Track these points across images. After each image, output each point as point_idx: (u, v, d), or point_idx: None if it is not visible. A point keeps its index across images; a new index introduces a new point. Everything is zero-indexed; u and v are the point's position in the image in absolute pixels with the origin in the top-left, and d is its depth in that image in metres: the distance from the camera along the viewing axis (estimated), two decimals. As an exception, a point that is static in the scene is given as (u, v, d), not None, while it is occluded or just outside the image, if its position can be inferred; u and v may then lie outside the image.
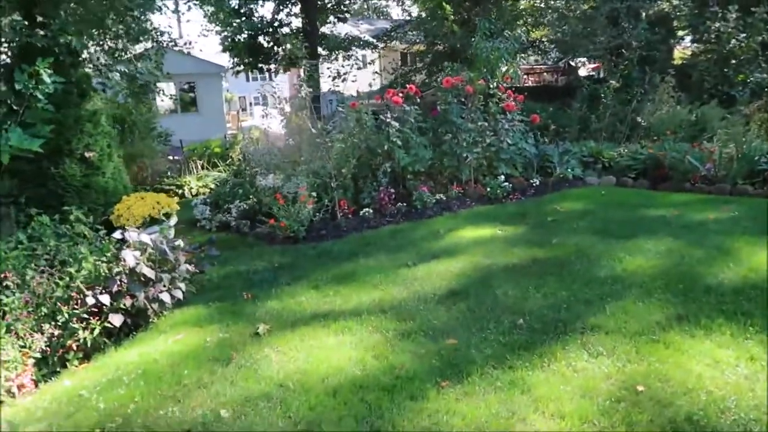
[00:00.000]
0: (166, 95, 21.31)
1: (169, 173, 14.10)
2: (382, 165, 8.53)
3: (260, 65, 17.77)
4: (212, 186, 12.31)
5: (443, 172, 8.98)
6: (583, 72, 20.71)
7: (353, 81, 17.67)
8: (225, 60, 19.67)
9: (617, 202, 8.18)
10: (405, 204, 8.18)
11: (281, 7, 17.94)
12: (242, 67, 18.01)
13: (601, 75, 19.69)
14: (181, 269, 5.03)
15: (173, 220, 6.19)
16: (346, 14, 18.82)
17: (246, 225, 8.00)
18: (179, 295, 4.91)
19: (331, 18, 18.75)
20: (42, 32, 5.55)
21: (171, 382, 3.84)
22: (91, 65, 7.09)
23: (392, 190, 8.28)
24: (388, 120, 8.41)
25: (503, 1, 13.88)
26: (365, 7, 26.79)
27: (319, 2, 18.50)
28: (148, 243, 4.74)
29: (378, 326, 4.45)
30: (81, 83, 6.00)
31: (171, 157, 14.84)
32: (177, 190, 13.30)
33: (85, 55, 8.34)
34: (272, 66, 17.84)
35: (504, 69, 10.41)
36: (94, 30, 9.09)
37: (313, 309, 4.95)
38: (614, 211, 7.63)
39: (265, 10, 23.00)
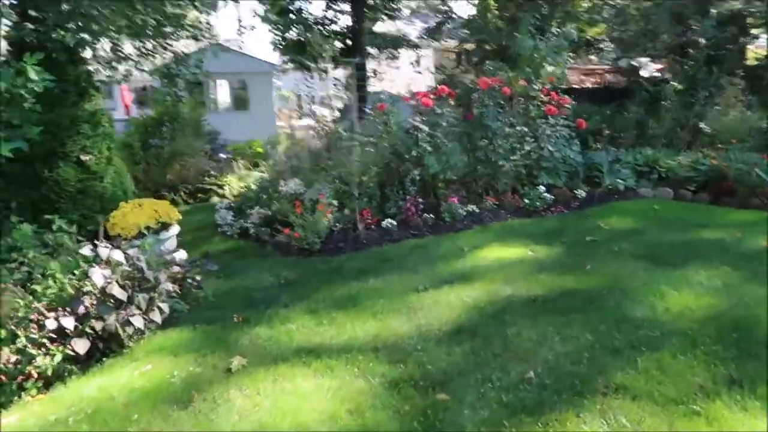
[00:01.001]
0: (211, 94, 21.39)
1: (212, 172, 13.88)
2: (411, 172, 7.83)
3: (308, 63, 17.35)
4: (253, 187, 11.94)
5: (477, 181, 8.19)
6: (646, 73, 19.25)
7: (408, 81, 16.93)
8: (277, 58, 19.38)
9: (671, 220, 7.19)
10: (433, 215, 7.45)
11: (331, 4, 17.45)
12: (290, 65, 17.62)
13: (664, 76, 18.22)
14: (163, 288, 4.52)
15: (174, 230, 5.72)
16: (396, 12, 18.14)
17: (266, 232, 7.48)
18: (157, 318, 4.40)
19: (381, 15, 18.12)
20: (32, 27, 5.18)
21: (116, 428, 3.31)
22: (99, 63, 6.74)
23: (420, 200, 7.58)
24: (417, 123, 7.70)
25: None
26: (422, 5, 26.00)
27: (369, 1, 17.92)
28: (120, 260, 4.24)
29: (365, 369, 3.79)
30: (80, 81, 5.61)
31: (216, 156, 14.63)
32: (218, 190, 13.08)
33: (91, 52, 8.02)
34: (320, 64, 17.41)
35: (550, 69, 9.47)
36: (110, 26, 8.83)
37: (301, 340, 4.33)
38: (665, 230, 6.66)
39: (315, 8, 22.51)
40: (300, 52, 16.97)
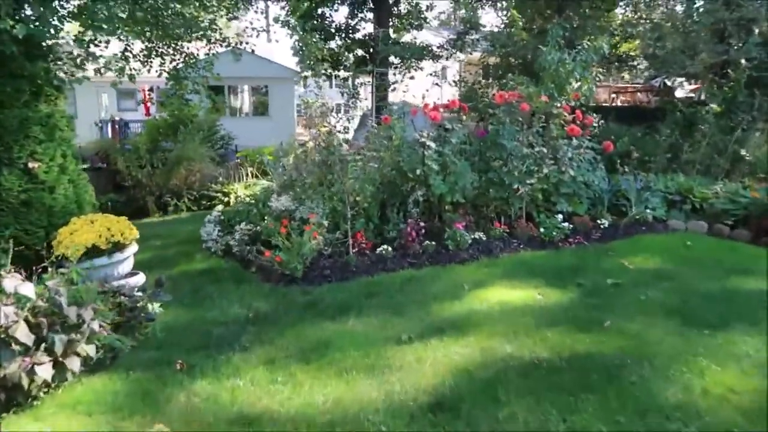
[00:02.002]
0: (233, 99, 20.68)
1: (220, 178, 13.15)
2: (415, 192, 6.91)
3: (330, 71, 16.60)
4: (264, 193, 11.14)
5: (488, 205, 7.21)
6: (681, 93, 17.99)
7: (427, 90, 16.01)
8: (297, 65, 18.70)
9: (706, 262, 6.11)
10: (435, 242, 6.51)
11: (356, 12, 16.70)
12: (311, 72, 16.88)
13: (701, 97, 16.95)
14: (88, 328, 3.67)
15: (129, 251, 4.90)
16: (422, 21, 17.28)
17: (251, 252, 6.62)
18: (75, 366, 3.54)
19: (406, 25, 17.29)
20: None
21: None
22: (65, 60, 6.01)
23: (422, 224, 6.65)
24: (423, 139, 6.78)
25: (590, 10, 11.78)
26: (453, 17, 25.07)
27: (394, 10, 17.11)
28: (29, 295, 3.41)
29: (309, 457, 2.88)
30: (35, 79, 4.84)
31: (225, 162, 13.90)
32: (223, 198, 12.34)
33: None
34: (342, 72, 16.65)
35: (576, 85, 8.46)
36: (121, 25, 8.17)
37: (246, 403, 3.44)
38: (700, 275, 5.60)
39: (339, 15, 21.77)
40: (322, 59, 16.25)
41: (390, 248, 6.29)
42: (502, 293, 5.15)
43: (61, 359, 3.53)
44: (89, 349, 3.69)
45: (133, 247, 4.97)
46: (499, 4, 15.16)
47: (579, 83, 8.39)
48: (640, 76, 16.00)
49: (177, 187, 12.09)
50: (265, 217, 7.15)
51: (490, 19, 15.28)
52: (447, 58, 15.99)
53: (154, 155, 12.43)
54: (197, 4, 9.33)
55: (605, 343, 4.01)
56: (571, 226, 7.11)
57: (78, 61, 6.19)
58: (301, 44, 16.38)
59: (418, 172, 6.74)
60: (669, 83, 18.57)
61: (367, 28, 16.64)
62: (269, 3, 17.02)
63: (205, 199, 12.24)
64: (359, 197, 6.27)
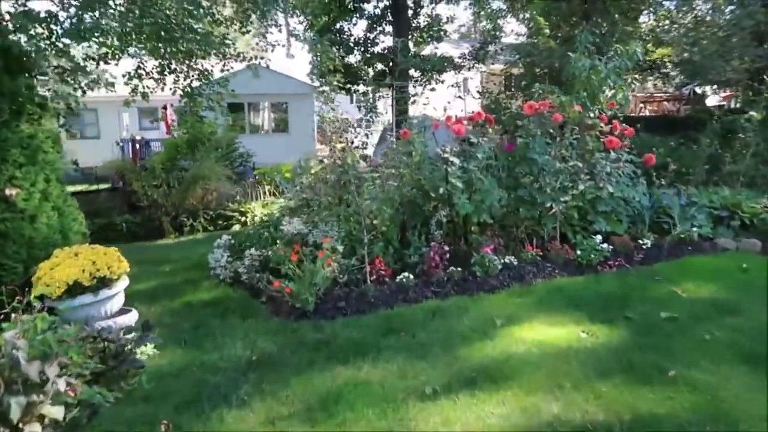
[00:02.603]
0: (253, 116, 20.20)
1: (237, 197, 12.62)
2: (437, 213, 6.23)
3: (348, 86, 16.05)
4: (277, 215, 10.56)
5: (518, 226, 6.48)
6: (712, 101, 17.04)
7: (448, 102, 15.30)
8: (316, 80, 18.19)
9: (770, 288, 5.29)
10: (461, 268, 5.80)
11: (374, 26, 16.16)
12: (329, 87, 16.33)
13: (736, 104, 15.97)
14: (52, 387, 3.05)
15: (119, 286, 4.29)
16: (442, 33, 16.66)
17: (261, 280, 5.99)
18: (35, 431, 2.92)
19: (425, 37, 16.69)
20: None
21: None
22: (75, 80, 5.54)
23: (447, 248, 5.93)
24: (446, 155, 6.09)
25: (619, 15, 11.03)
26: (473, 29, 24.46)
27: (413, 22, 16.54)
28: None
29: None
30: (16, 97, 4.30)
31: (243, 180, 13.38)
32: (240, 217, 11.79)
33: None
34: (361, 87, 16.09)
35: (609, 93, 7.71)
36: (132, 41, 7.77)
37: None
38: (769, 306, 4.79)
39: (358, 30, 21.36)
40: (333, 69, 15.69)
41: (411, 276, 5.58)
42: (539, 330, 4.41)
43: (20, 426, 2.92)
44: (56, 411, 3.06)
45: (123, 282, 4.36)
46: (521, 14, 14.46)
47: (613, 91, 7.64)
48: (670, 84, 15.09)
49: (193, 207, 11.57)
50: (277, 241, 6.54)
51: (513, 27, 14.52)
52: (469, 69, 15.31)
53: (170, 174, 11.98)
54: (208, 19, 8.82)
55: (673, 401, 3.25)
56: (610, 247, 6.34)
57: (67, 76, 5.67)
58: (313, 55, 15.89)
59: (441, 190, 6.05)
60: (699, 91, 17.65)
61: (386, 42, 16.10)
62: (288, 19, 16.60)
63: (221, 218, 11.71)
64: (376, 220, 5.60)
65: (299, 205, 7.12)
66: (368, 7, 16.08)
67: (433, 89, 14.86)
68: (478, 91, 14.29)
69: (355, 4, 15.69)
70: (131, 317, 4.35)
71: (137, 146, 16.86)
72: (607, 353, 3.94)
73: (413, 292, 5.45)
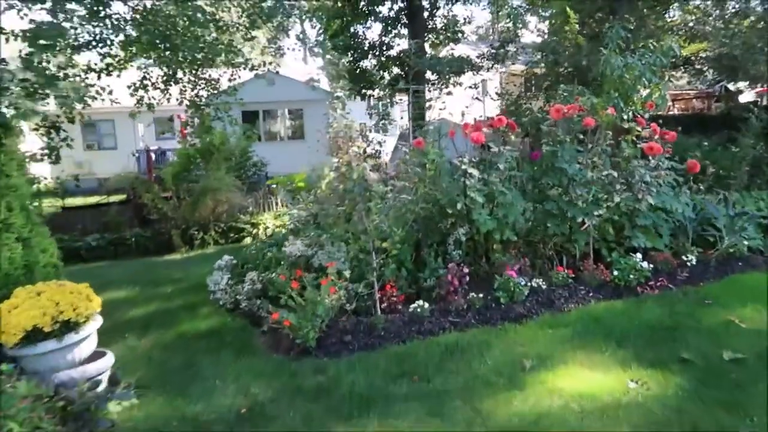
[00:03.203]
0: (270, 124, 19.62)
1: (250, 208, 12.05)
2: (455, 230, 5.52)
3: (363, 91, 15.40)
4: (291, 227, 9.94)
5: (546, 243, 5.74)
6: (744, 98, 15.96)
7: (466, 107, 14.52)
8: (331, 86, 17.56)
9: None
10: (482, 294, 5.09)
11: (389, 29, 15.49)
12: (344, 92, 15.65)
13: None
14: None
15: (87, 329, 3.67)
16: (459, 34, 15.91)
17: (263, 307, 5.34)
18: None
19: (442, 39, 15.96)
20: None
21: None
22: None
23: (466, 270, 5.22)
24: (465, 166, 5.38)
25: (648, 10, 10.15)
26: (491, 31, 23.68)
27: (429, 23, 15.82)
28: None
29: None
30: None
31: (256, 190, 12.80)
32: (252, 230, 11.21)
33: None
34: (376, 91, 15.44)
35: (644, 93, 6.91)
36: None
37: None
38: None
39: (373, 34, 20.67)
40: (353, 80, 15.04)
41: (426, 305, 4.88)
42: (578, 376, 3.67)
43: None
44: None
45: (94, 323, 3.74)
46: (542, 12, 13.61)
47: (647, 91, 6.85)
48: (703, 80, 14.10)
49: (204, 220, 11.02)
50: (281, 262, 5.89)
51: (533, 26, 13.67)
52: (487, 70, 14.52)
53: (180, 186, 11.48)
54: (211, 25, 8.24)
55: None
56: (651, 265, 5.56)
57: (34, 88, 5.10)
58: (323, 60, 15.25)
59: (458, 206, 5.34)
60: (731, 88, 16.58)
61: (402, 45, 15.43)
62: (302, 24, 16.04)
63: (233, 231, 11.15)
64: (386, 243, 4.91)
65: (307, 221, 6.48)
66: (383, 10, 15.41)
67: (450, 93, 14.07)
68: (497, 93, 13.50)
69: (369, 7, 15.04)
70: (104, 363, 3.73)
71: (152, 156, 16.49)
72: (663, 410, 3.19)
73: (429, 323, 4.75)
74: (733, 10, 11.09)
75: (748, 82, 14.05)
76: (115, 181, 13.33)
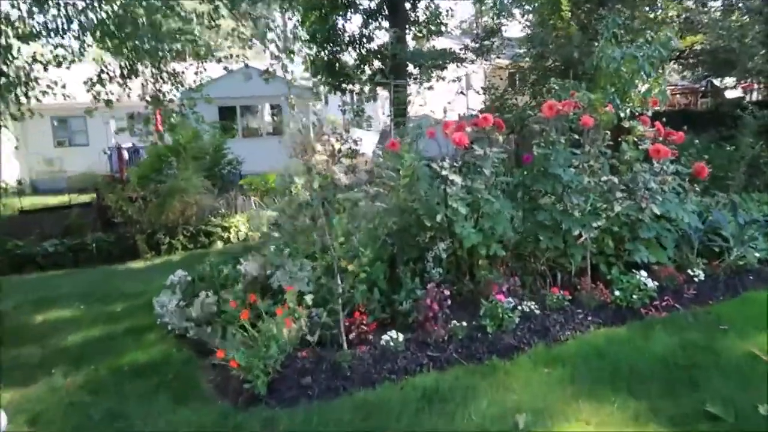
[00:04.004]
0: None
1: (222, 210, 11.13)
2: (435, 244, 4.72)
3: (342, 86, 14.51)
4: (264, 230, 9.03)
5: (537, 257, 4.96)
6: (730, 94, 15.31)
7: (449, 103, 13.65)
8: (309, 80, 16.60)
9: None
10: (466, 321, 4.30)
11: (370, 21, 14.61)
12: (324, 87, 14.77)
13: (759, 97, 14.25)
14: None
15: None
16: (442, 27, 15.05)
17: (215, 335, 4.50)
18: None
19: (425, 32, 15.10)
20: None
21: None
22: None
23: (447, 293, 4.42)
24: (444, 172, 4.58)
25: (638, 0, 9.39)
26: (475, 25, 22.84)
27: (412, 15, 14.95)
28: None
29: None
30: None
31: (229, 191, 11.87)
32: (223, 233, 10.33)
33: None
34: (356, 86, 14.57)
35: (642, 88, 6.16)
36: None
37: None
38: None
39: (353, 25, 19.74)
40: (332, 74, 14.14)
41: (400, 337, 4.07)
42: (584, 441, 2.90)
43: None
44: None
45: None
46: (526, 5, 12.79)
47: (646, 86, 6.09)
48: (692, 75, 13.42)
49: (171, 223, 10.11)
50: (239, 281, 5.06)
51: (519, 19, 12.82)
52: (471, 62, 13.71)
53: (147, 187, 10.55)
54: (168, 11, 7.31)
55: None
56: (656, 283, 4.81)
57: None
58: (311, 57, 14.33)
59: (438, 217, 4.54)
60: (718, 84, 15.94)
61: (383, 38, 14.55)
62: (277, 14, 15.07)
63: (202, 234, 10.23)
64: (352, 265, 4.09)
65: (269, 234, 5.64)
66: (363, 1, 14.50)
67: (430, 87, 13.23)
68: (482, 88, 12.69)
69: (349, -2, 14.15)
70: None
71: (124, 154, 15.45)
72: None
73: (403, 358, 3.95)
74: (732, 2, 10.36)
75: (738, 78, 13.39)
76: (80, 180, 12.30)
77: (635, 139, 5.11)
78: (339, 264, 4.07)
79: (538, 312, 4.45)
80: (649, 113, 5.50)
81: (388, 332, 4.10)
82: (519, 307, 4.43)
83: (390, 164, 5.04)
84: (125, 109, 10.66)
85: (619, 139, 5.17)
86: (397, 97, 12.74)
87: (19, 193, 11.48)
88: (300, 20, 14.03)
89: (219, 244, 10.15)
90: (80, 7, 7.94)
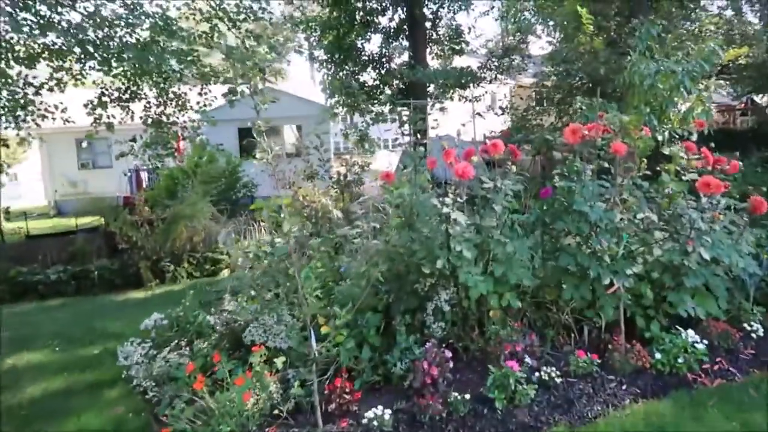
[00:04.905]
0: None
1: (233, 235, 10.53)
2: (436, 293, 3.92)
3: (361, 106, 13.88)
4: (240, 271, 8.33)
5: (561, 309, 4.09)
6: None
7: (463, 125, 12.76)
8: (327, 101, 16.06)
9: None
10: (471, 389, 3.47)
11: (390, 41, 13.99)
12: (341, 108, 14.17)
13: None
14: None
15: None
16: (463, 45, 14.31)
17: (168, 403, 3.75)
18: None
19: (446, 51, 14.40)
20: None
21: None
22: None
23: (449, 354, 3.60)
24: (446, 209, 3.79)
25: (674, 10, 8.47)
26: (501, 44, 22.04)
27: (432, 34, 14.27)
28: None
29: None
30: None
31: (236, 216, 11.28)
32: (229, 261, 9.70)
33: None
34: (375, 107, 13.92)
35: (683, 107, 5.27)
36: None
37: None
38: None
39: (373, 45, 19.20)
40: (349, 94, 13.52)
41: (387, 414, 3.26)
42: None
43: None
44: None
45: None
46: (549, 21, 11.93)
47: (687, 104, 5.19)
48: (734, 92, 12.30)
49: (177, 250, 9.53)
50: (212, 331, 4.34)
51: (543, 36, 12.03)
52: (490, 82, 12.93)
53: (156, 212, 10.03)
54: (157, 30, 6.78)
55: None
56: (705, 342, 3.89)
57: None
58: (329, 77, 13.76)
59: (439, 263, 3.74)
60: (758, 100, 14.74)
61: (404, 57, 13.90)
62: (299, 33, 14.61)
63: (209, 262, 9.64)
64: (326, 327, 3.32)
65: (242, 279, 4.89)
66: (382, 21, 13.92)
67: (443, 109, 12.44)
68: (500, 108, 11.85)
69: (368, 17, 13.56)
70: None
71: (140, 176, 15.12)
72: None
73: (391, 441, 3.14)
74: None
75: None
76: (89, 204, 11.88)
77: (677, 169, 4.22)
78: (311, 321, 3.29)
79: (559, 381, 3.58)
80: (694, 137, 4.60)
81: (373, 409, 3.28)
82: (537, 373, 3.58)
83: (390, 199, 4.27)
84: (132, 132, 10.25)
85: (658, 168, 4.28)
86: (420, 117, 12.03)
87: (25, 217, 11.08)
88: (316, 40, 13.49)
89: (225, 272, 9.51)
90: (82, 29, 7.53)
